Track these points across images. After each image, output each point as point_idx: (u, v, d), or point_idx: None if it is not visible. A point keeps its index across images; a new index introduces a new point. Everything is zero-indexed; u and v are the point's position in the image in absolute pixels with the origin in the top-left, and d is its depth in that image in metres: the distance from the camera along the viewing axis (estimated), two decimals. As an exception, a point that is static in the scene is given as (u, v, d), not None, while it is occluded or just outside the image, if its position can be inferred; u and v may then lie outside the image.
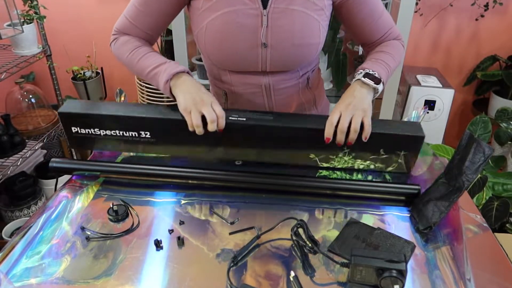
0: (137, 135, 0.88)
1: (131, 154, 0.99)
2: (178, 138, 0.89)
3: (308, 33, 0.90)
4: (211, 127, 0.82)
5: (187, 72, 0.89)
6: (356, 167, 0.91)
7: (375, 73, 0.88)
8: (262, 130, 0.87)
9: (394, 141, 0.86)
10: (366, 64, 0.92)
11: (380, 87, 0.88)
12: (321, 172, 0.92)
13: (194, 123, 0.82)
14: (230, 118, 0.86)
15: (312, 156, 0.90)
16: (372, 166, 0.91)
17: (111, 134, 0.88)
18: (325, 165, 0.91)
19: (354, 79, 0.90)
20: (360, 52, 2.10)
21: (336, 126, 0.83)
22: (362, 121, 0.82)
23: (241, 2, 0.87)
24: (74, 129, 0.89)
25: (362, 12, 0.94)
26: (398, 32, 1.01)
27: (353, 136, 0.82)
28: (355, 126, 0.82)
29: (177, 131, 0.87)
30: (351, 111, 0.83)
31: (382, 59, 0.94)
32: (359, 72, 0.90)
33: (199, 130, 0.82)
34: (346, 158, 0.89)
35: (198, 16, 0.91)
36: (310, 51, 0.93)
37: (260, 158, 0.92)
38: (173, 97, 0.88)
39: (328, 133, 0.83)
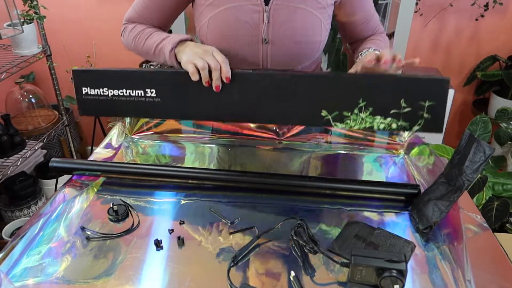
0: (143, 94, 0.85)
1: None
2: (183, 95, 0.85)
3: (310, 31, 0.91)
4: (216, 75, 0.78)
5: (191, 40, 0.87)
6: (376, 127, 0.78)
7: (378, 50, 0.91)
8: (271, 80, 0.80)
9: (415, 87, 0.76)
10: (368, 45, 0.95)
11: None
12: (336, 124, 0.79)
13: (199, 65, 0.78)
14: (238, 70, 0.81)
15: (324, 113, 0.79)
16: (394, 125, 0.78)
17: (119, 94, 0.86)
18: (340, 126, 0.80)
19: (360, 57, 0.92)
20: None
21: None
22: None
23: None
24: (85, 90, 0.86)
25: (358, 13, 0.97)
26: (382, 28, 1.06)
27: (397, 57, 0.79)
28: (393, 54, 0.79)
29: (183, 86, 0.83)
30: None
31: (379, 44, 0.98)
32: (364, 51, 0.92)
33: (205, 73, 0.78)
34: (363, 115, 0.78)
35: (201, 12, 0.91)
36: (311, 49, 0.94)
37: (268, 117, 0.83)
38: (179, 64, 0.86)
39: (383, 55, 0.79)
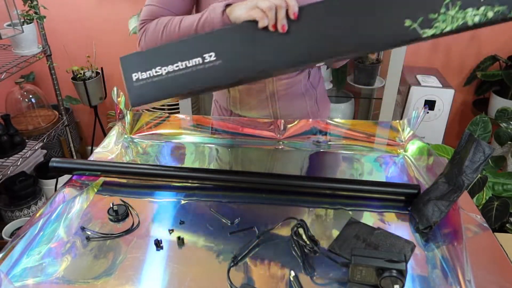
0: (201, 61, 0.78)
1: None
2: (247, 49, 0.77)
3: None
4: (281, 14, 0.69)
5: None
6: (470, 22, 0.69)
7: None
8: (340, 2, 0.71)
9: None
10: None
11: None
12: (425, 32, 0.70)
13: (264, 7, 0.70)
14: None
15: (408, 23, 0.70)
16: (490, 14, 0.68)
17: (174, 70, 0.79)
18: (429, 32, 0.70)
19: None
20: (360, 52, 2.10)
21: None
22: None
23: None
24: (135, 76, 0.80)
25: None
26: None
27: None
28: None
29: (245, 39, 0.76)
30: None
31: None
32: None
33: (272, 14, 0.70)
34: (452, 12, 0.69)
35: (206, 3, 0.89)
36: None
37: (349, 46, 0.74)
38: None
39: None
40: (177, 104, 2.01)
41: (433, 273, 0.66)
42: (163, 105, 2.09)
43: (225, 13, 0.79)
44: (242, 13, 0.75)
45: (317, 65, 1.04)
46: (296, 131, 1.06)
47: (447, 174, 0.81)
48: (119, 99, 1.04)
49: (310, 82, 1.05)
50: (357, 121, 1.07)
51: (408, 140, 1.02)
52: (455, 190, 0.77)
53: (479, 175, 1.46)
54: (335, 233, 0.75)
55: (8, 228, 1.82)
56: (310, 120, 1.07)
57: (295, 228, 0.72)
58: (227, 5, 0.79)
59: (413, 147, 1.00)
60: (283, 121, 1.05)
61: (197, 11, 0.94)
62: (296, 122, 1.05)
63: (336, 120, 1.06)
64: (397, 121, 1.05)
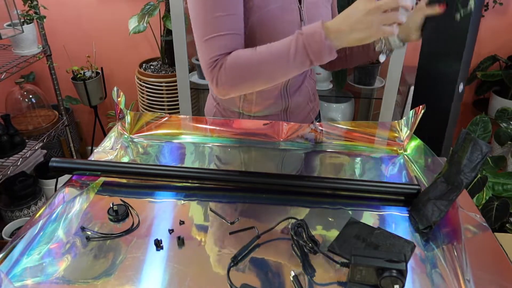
0: None
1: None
2: None
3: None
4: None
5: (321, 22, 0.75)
6: None
7: None
8: None
9: None
10: None
11: None
12: None
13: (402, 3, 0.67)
14: None
15: None
16: None
17: None
18: None
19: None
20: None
21: None
22: None
23: None
24: None
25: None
26: None
27: None
28: None
29: None
30: None
31: None
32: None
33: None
34: None
35: (245, 13, 0.86)
36: None
37: None
38: (339, 47, 0.75)
39: None
40: (177, 105, 2.01)
41: (433, 273, 0.66)
42: (163, 105, 2.09)
43: (327, 41, 0.73)
44: (360, 39, 0.72)
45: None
46: (296, 132, 1.06)
47: (446, 174, 0.81)
48: (119, 99, 1.04)
49: (311, 76, 1.13)
50: (357, 122, 1.07)
51: (407, 140, 1.02)
52: (454, 190, 0.77)
53: (479, 175, 1.46)
54: (335, 233, 0.75)
55: (8, 228, 1.82)
56: (311, 123, 1.10)
57: (295, 228, 0.72)
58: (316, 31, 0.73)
59: (411, 146, 1.00)
60: (284, 123, 1.05)
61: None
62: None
63: (335, 122, 1.06)
64: (397, 121, 1.05)
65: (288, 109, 1.09)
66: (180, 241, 0.72)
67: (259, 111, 1.08)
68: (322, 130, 1.07)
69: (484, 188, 1.45)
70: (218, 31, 0.80)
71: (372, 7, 0.69)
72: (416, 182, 0.90)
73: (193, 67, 2.10)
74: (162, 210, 0.81)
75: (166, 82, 2.02)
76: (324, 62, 0.76)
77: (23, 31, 1.75)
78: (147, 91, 2.08)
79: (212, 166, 0.97)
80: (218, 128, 1.08)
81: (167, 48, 2.07)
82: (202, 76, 2.04)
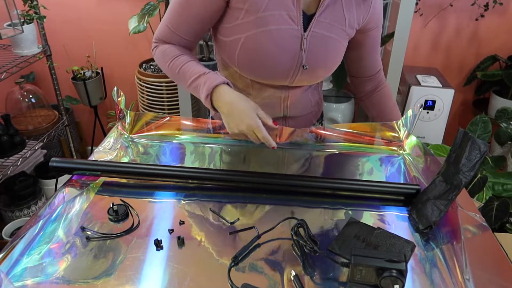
0: None
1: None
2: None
3: (338, 58, 0.97)
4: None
5: (227, 83, 0.88)
6: None
7: None
8: None
9: None
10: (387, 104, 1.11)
11: None
12: None
13: (258, 139, 0.87)
14: None
15: None
16: None
17: None
18: None
19: None
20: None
21: None
22: None
23: (286, 22, 0.88)
24: None
25: (370, 44, 1.02)
26: (383, 75, 1.11)
27: None
28: None
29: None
30: None
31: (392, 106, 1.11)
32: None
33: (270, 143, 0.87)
34: None
35: (235, 26, 0.89)
36: (333, 70, 1.00)
37: None
38: (215, 110, 0.90)
39: None
40: (177, 105, 2.01)
41: (433, 273, 0.67)
42: (163, 105, 2.09)
43: (209, 97, 0.88)
44: (225, 123, 0.88)
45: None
46: (296, 135, 1.05)
47: (444, 173, 0.81)
48: (119, 99, 1.04)
49: (318, 90, 1.13)
50: (356, 124, 1.07)
51: (406, 140, 1.02)
52: (453, 189, 0.77)
53: (479, 175, 1.46)
54: (335, 233, 0.75)
55: (8, 228, 1.82)
56: (311, 127, 1.10)
57: (295, 228, 0.72)
58: (217, 86, 0.87)
59: (410, 146, 1.00)
60: (284, 128, 1.05)
61: (223, 20, 0.92)
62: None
63: (335, 125, 1.06)
64: (395, 121, 1.05)
65: (287, 116, 1.09)
66: (180, 241, 0.72)
67: None
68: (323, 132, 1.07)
69: (484, 188, 1.45)
70: (171, 24, 0.93)
71: (249, 122, 0.85)
72: (416, 182, 0.90)
73: (193, 67, 2.09)
74: (162, 210, 0.81)
75: (166, 82, 2.02)
76: (207, 106, 0.89)
77: (23, 31, 1.75)
78: (147, 91, 2.08)
79: (212, 166, 0.97)
80: (218, 129, 1.08)
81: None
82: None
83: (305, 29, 0.90)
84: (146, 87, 2.07)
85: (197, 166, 0.96)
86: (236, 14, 0.88)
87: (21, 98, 2.10)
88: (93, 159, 0.96)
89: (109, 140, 1.04)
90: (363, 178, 0.92)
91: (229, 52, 0.93)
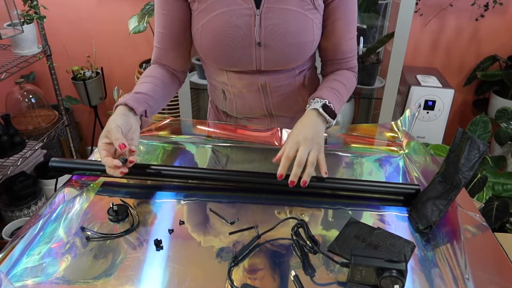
0: None
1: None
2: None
3: (302, 32, 0.91)
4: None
5: (125, 104, 0.86)
6: None
7: (331, 105, 0.89)
8: None
9: None
10: (324, 93, 0.92)
11: (333, 122, 0.89)
12: None
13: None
14: None
15: None
16: None
17: None
18: None
19: (309, 107, 0.90)
20: (360, 52, 2.10)
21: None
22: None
23: (235, 2, 0.88)
24: None
25: (340, 21, 0.94)
26: (356, 63, 1.03)
27: (310, 170, 0.79)
28: (313, 160, 0.80)
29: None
30: (309, 146, 0.81)
31: (339, 91, 0.95)
32: (316, 101, 0.90)
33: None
34: None
35: (194, 18, 0.92)
36: (305, 50, 0.94)
37: None
38: None
39: (283, 169, 0.80)
40: (177, 106, 2.01)
41: (433, 273, 0.66)
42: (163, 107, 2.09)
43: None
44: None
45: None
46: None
47: (444, 173, 0.81)
48: (120, 98, 1.04)
49: (305, 85, 1.05)
50: (356, 125, 1.07)
51: (405, 140, 1.02)
52: (453, 189, 0.77)
53: (479, 175, 1.46)
54: (335, 233, 0.75)
55: (8, 228, 1.82)
56: None
57: (295, 228, 0.72)
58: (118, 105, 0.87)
59: (410, 146, 1.00)
60: (284, 130, 1.05)
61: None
62: None
63: (334, 127, 1.06)
64: (394, 121, 1.05)
65: (273, 114, 1.08)
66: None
67: (243, 113, 1.09)
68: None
69: (484, 188, 1.45)
70: (158, 43, 0.99)
71: (99, 142, 0.80)
72: (416, 182, 0.90)
73: (193, 67, 2.10)
74: (162, 210, 0.81)
75: (166, 82, 2.02)
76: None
77: (23, 31, 1.75)
78: (147, 91, 2.07)
79: (212, 166, 0.97)
80: (218, 131, 1.09)
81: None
82: (202, 76, 2.04)
83: (258, 6, 0.89)
84: (146, 87, 2.06)
85: (197, 166, 0.96)
86: (193, 7, 0.92)
87: (21, 98, 2.10)
88: (93, 159, 0.96)
89: (109, 140, 1.03)
90: (364, 178, 0.92)
91: (196, 44, 0.96)
